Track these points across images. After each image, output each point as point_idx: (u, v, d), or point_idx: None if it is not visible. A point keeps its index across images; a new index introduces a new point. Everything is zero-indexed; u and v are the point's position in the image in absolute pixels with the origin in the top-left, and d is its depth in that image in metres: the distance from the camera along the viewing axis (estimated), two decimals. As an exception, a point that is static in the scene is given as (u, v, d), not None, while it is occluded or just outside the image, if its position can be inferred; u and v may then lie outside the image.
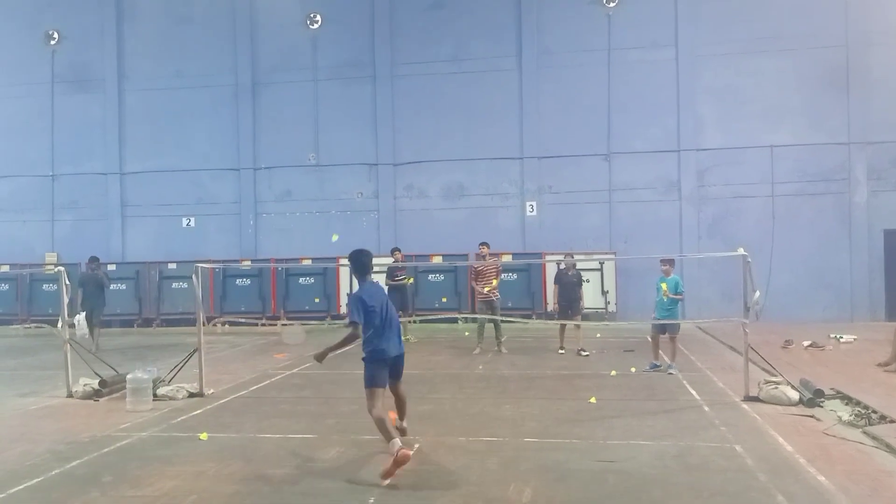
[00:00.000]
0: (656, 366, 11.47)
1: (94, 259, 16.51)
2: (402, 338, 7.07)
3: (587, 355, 13.03)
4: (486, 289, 13.81)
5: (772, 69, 18.92)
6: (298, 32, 21.37)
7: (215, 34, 21.78)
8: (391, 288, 14.88)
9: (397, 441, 6.20)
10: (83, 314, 16.71)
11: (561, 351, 13.52)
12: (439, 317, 17.18)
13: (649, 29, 19.62)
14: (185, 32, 21.93)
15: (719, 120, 19.27)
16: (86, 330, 16.51)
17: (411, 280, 16.45)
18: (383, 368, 6.65)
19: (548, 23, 20.11)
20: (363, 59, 21.07)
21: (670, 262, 11.56)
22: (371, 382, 6.57)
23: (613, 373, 11.26)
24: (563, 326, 13.65)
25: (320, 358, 6.84)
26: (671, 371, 11.04)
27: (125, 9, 22.23)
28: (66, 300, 10.57)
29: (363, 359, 6.66)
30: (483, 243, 14.42)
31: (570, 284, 13.40)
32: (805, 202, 18.79)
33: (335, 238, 16.95)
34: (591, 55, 19.80)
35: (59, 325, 10.60)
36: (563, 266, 13.89)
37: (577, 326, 13.58)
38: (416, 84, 20.74)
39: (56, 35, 22.44)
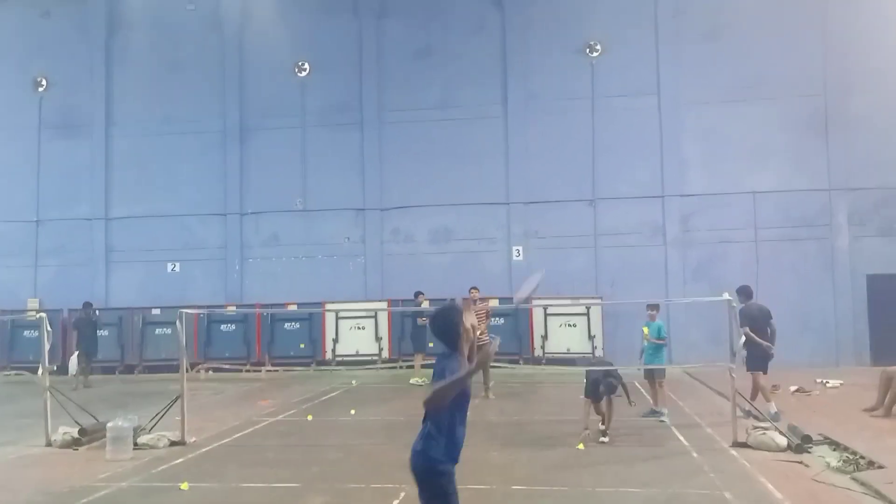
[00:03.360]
0: (660, 412, 11.17)
1: (87, 304, 18.20)
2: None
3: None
4: (478, 333, 13.79)
5: (753, 116, 19.25)
6: (287, 79, 21.59)
7: (204, 80, 21.97)
8: (415, 327, 16.47)
9: None
10: (76, 354, 16.95)
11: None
12: (427, 362, 17.04)
13: (632, 76, 19.97)
14: (174, 78, 22.08)
15: (702, 165, 19.53)
16: (76, 368, 16.77)
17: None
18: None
19: (533, 71, 20.45)
20: (351, 105, 21.28)
21: (655, 307, 11.56)
22: None
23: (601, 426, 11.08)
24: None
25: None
26: (662, 419, 10.89)
27: (114, 54, 22.39)
28: (46, 347, 10.42)
29: None
30: (473, 287, 14.47)
31: None
32: (789, 247, 18.96)
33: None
34: (575, 102, 20.10)
35: (40, 371, 10.44)
36: None
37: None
38: (404, 130, 20.94)
39: (44, 81, 22.53)
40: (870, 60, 18.78)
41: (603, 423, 9.75)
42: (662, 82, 19.79)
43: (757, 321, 10.94)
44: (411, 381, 16.02)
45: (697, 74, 19.60)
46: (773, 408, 10.69)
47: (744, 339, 10.54)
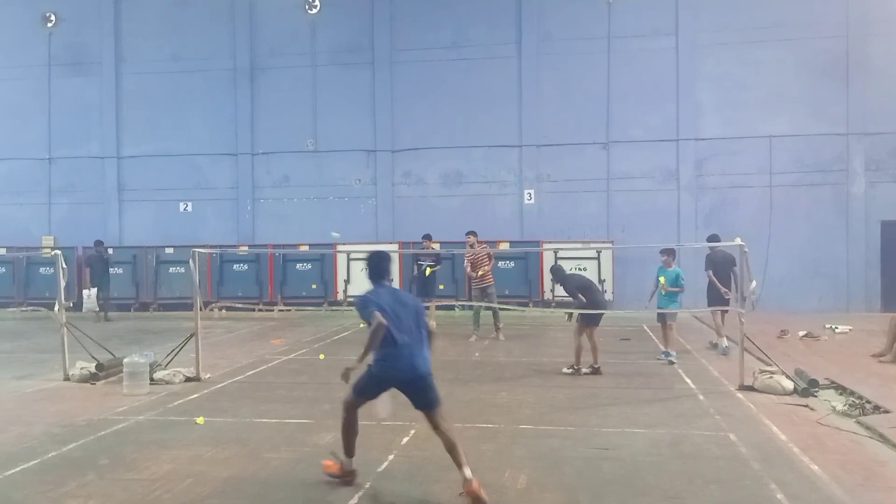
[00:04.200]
0: (669, 353, 11.29)
1: (99, 243, 18.90)
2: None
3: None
4: (480, 272, 13.80)
5: (771, 59, 18.87)
6: (297, 17, 21.25)
7: (214, 17, 21.65)
8: (419, 273, 15.56)
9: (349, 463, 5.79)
10: (94, 290, 17.38)
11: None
12: (436, 304, 17.16)
13: (650, 17, 19.54)
14: (184, 15, 21.78)
15: (718, 109, 19.24)
16: (95, 304, 17.24)
17: (430, 269, 16.23)
18: (382, 386, 5.71)
19: (548, 10, 20.02)
20: (362, 44, 20.96)
21: (670, 252, 11.47)
22: (357, 390, 5.70)
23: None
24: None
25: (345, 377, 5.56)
26: (667, 359, 11.02)
27: (123, -9, 22.10)
28: (62, 283, 10.55)
29: (369, 366, 5.61)
30: (469, 232, 14.20)
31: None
32: (803, 192, 18.79)
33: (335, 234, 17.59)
34: (591, 43, 19.72)
35: (56, 308, 10.60)
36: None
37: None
38: (415, 70, 20.66)
39: (53, 17, 22.27)
40: (892, 4, 18.28)
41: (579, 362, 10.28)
42: (680, 22, 19.35)
43: (719, 266, 12.28)
44: None
45: (715, 14, 19.16)
46: (724, 342, 12.07)
47: (754, 284, 10.60)
